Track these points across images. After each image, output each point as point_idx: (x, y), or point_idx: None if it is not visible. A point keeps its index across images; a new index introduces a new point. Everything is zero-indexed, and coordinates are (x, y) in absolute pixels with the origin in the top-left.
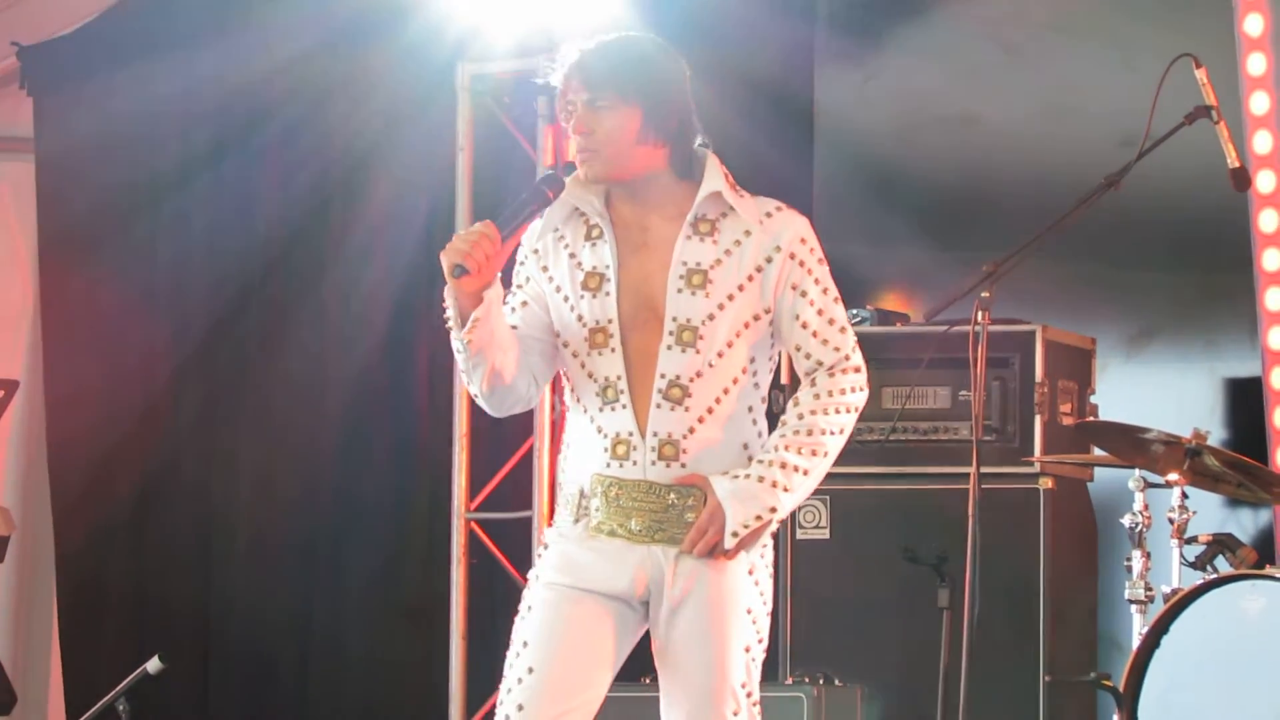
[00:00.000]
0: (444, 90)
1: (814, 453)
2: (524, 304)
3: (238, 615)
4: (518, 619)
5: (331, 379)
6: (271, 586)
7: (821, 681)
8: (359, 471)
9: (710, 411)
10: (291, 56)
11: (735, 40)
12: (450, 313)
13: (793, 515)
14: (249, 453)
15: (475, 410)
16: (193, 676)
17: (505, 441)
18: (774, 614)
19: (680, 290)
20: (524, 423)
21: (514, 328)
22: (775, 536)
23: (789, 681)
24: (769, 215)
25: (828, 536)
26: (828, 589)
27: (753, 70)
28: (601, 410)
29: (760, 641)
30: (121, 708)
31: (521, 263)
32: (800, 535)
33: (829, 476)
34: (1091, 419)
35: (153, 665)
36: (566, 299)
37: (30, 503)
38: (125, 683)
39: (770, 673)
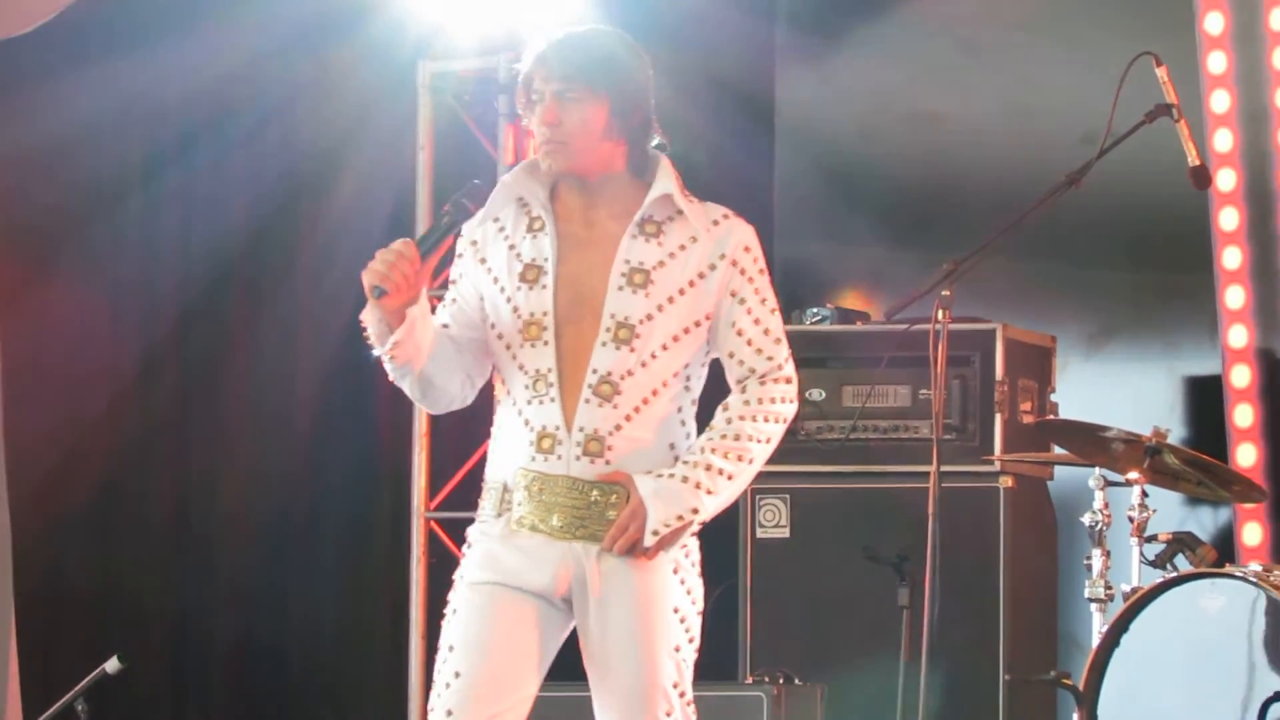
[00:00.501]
0: (405, 88)
1: (740, 458)
2: (454, 302)
3: (198, 607)
4: (444, 622)
5: (292, 379)
6: (231, 584)
7: (781, 680)
8: (321, 470)
9: (638, 410)
10: (254, 55)
11: (697, 39)
12: (370, 330)
13: (752, 514)
14: (211, 449)
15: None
16: (157, 674)
17: (465, 441)
18: (733, 612)
19: (621, 288)
20: (484, 421)
21: (446, 326)
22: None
23: (749, 680)
24: (716, 223)
25: (788, 535)
26: (788, 588)
27: (714, 68)
28: (530, 403)
29: (691, 641)
30: (80, 708)
31: (460, 255)
32: (761, 534)
33: (789, 475)
34: (1051, 417)
35: (111, 665)
36: (503, 290)
37: None
38: (84, 683)
39: (730, 672)
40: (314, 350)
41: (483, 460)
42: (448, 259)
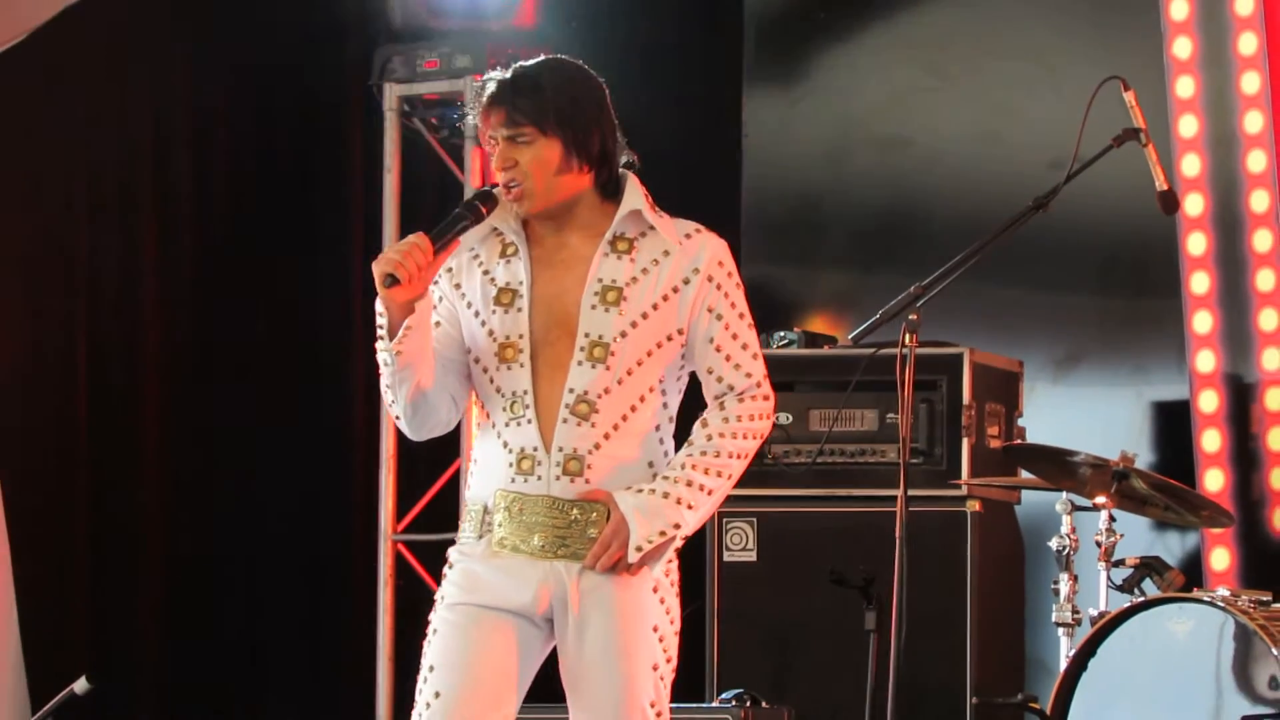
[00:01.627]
0: (371, 111)
1: (719, 474)
2: (437, 325)
3: (146, 634)
4: (425, 643)
5: (260, 402)
6: (195, 603)
7: (749, 703)
8: (283, 491)
9: (616, 428)
10: (224, 74)
11: (664, 61)
12: (380, 321)
13: (719, 536)
14: (173, 471)
15: (402, 433)
16: (125, 691)
17: (432, 464)
18: (701, 634)
19: (594, 306)
20: (451, 445)
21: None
22: (700, 556)
23: (716, 703)
24: (688, 236)
25: (755, 558)
26: (755, 611)
27: (682, 91)
28: (508, 425)
29: (669, 660)
30: None
31: (435, 283)
32: (728, 557)
33: (756, 499)
34: (1019, 442)
35: (80, 686)
36: (478, 314)
37: None
38: (51, 704)
39: (697, 693)
40: (282, 372)
41: (449, 484)
42: None
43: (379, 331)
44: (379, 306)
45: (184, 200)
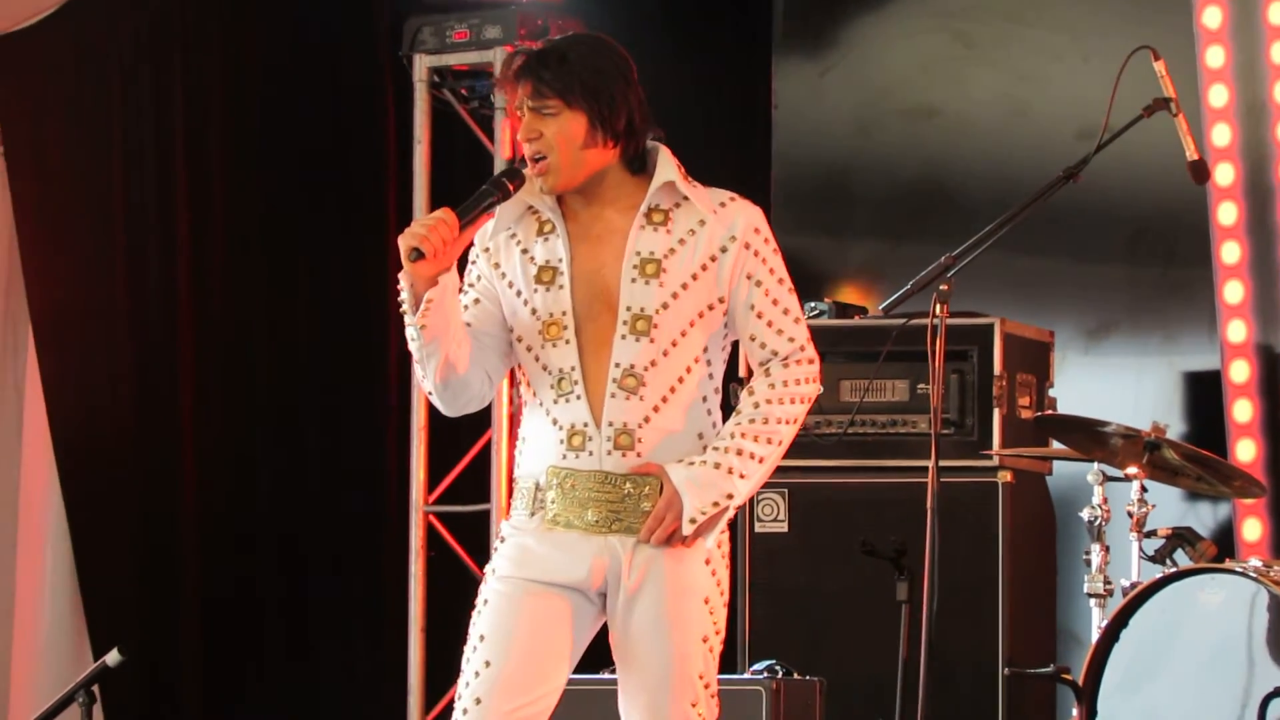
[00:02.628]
0: (402, 82)
1: (769, 441)
2: (476, 301)
3: (184, 605)
4: (474, 613)
5: (292, 375)
6: (228, 575)
7: (780, 674)
8: (316, 463)
9: (665, 400)
10: (255, 48)
11: (693, 33)
12: (404, 295)
13: (751, 508)
14: (209, 444)
15: (433, 405)
16: (157, 661)
17: (463, 435)
18: (732, 606)
19: (634, 280)
20: (481, 416)
21: (468, 325)
22: (732, 527)
23: (748, 674)
24: (723, 205)
25: (786, 529)
26: (786, 582)
27: (710, 62)
28: (556, 402)
29: (718, 632)
30: (80, 700)
31: (473, 262)
32: (759, 528)
33: (788, 469)
34: (1050, 412)
35: (112, 658)
36: (519, 293)
37: None
38: (84, 676)
39: (729, 665)
40: (314, 344)
41: (481, 455)
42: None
43: (402, 306)
44: (402, 281)
45: (215, 173)
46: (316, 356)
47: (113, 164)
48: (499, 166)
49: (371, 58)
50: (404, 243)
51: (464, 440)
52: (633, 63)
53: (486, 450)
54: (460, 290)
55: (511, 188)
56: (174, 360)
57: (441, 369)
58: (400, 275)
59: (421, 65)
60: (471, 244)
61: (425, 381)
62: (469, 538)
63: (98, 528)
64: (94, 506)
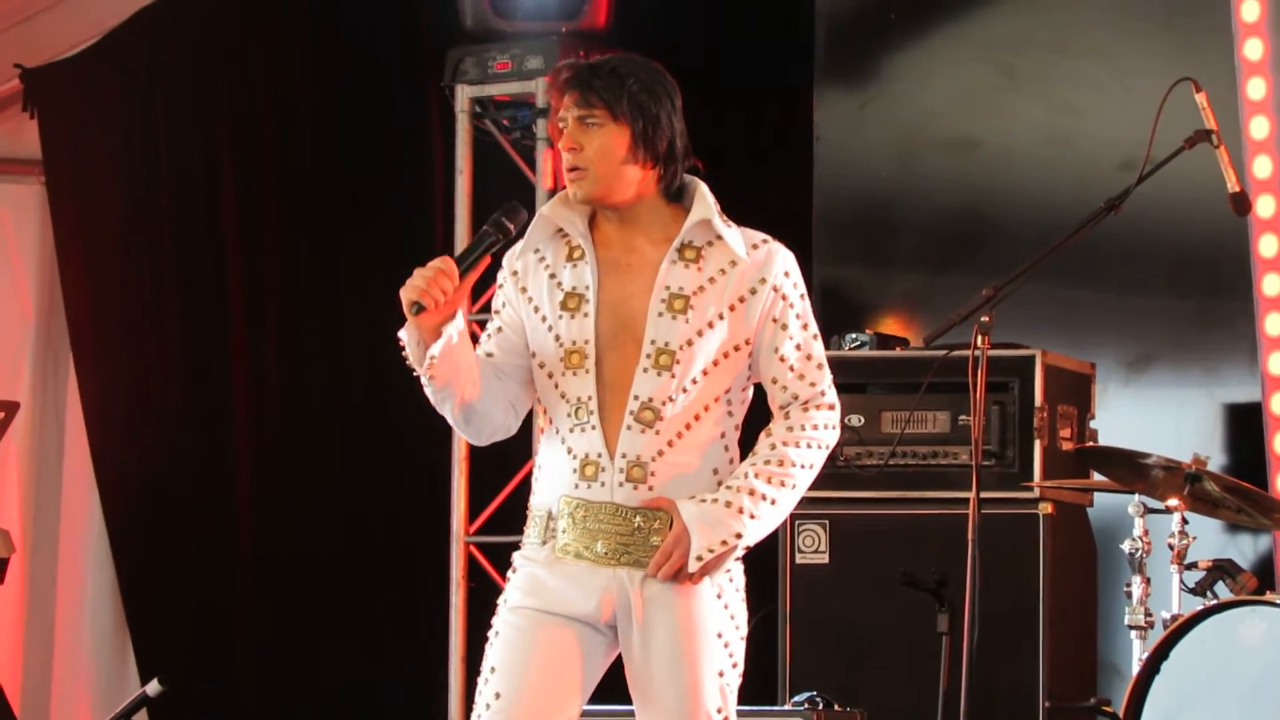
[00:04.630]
0: (444, 112)
1: (783, 483)
2: (499, 330)
3: (233, 634)
4: (487, 645)
5: (334, 404)
6: (271, 604)
7: (821, 706)
8: (358, 494)
9: (680, 436)
10: (295, 76)
11: (735, 63)
12: (408, 350)
13: (791, 539)
14: (251, 472)
15: None
16: (202, 686)
17: (504, 465)
18: (772, 637)
19: (661, 314)
20: (523, 446)
21: (490, 355)
22: (771, 558)
23: (788, 706)
24: (755, 247)
25: (827, 560)
26: (827, 613)
27: (752, 93)
28: (571, 431)
29: (735, 666)
30: None
31: (500, 285)
32: (799, 559)
33: (829, 501)
34: (1091, 444)
35: (152, 688)
36: (544, 319)
37: (32, 524)
38: (125, 706)
39: (769, 697)
40: (362, 372)
41: (522, 484)
42: (488, 278)
43: (407, 360)
44: (402, 336)
45: (266, 203)
46: (364, 385)
47: (159, 192)
48: (540, 197)
49: (416, 87)
50: (405, 296)
51: (505, 471)
52: (679, 90)
53: (527, 480)
54: (487, 315)
55: (511, 228)
56: (225, 387)
57: (459, 408)
58: (401, 331)
59: (463, 96)
60: (499, 254)
61: (446, 417)
62: (509, 568)
63: (143, 552)
64: (138, 531)
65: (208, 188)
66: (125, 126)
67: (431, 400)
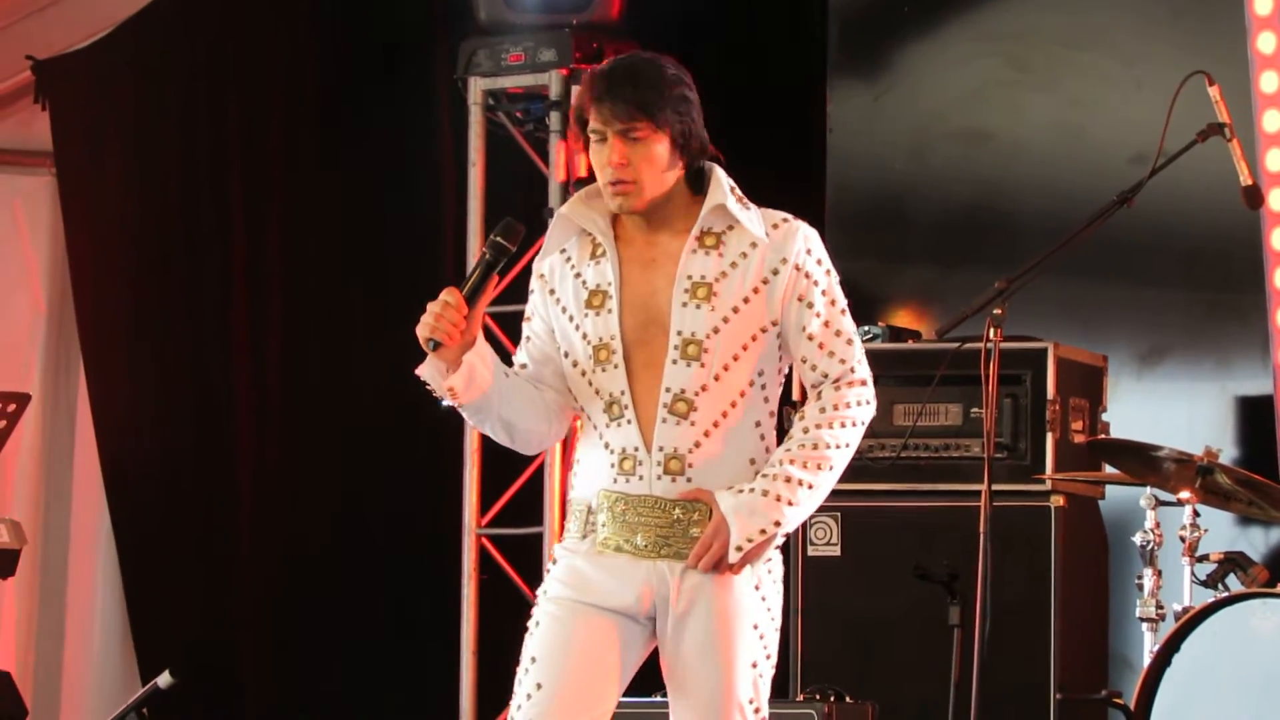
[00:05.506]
0: (456, 105)
1: (819, 467)
2: (528, 340)
3: (239, 630)
4: (526, 635)
5: (346, 396)
6: (278, 598)
7: (833, 698)
8: (369, 486)
9: (716, 425)
10: (306, 69)
11: (748, 56)
12: (431, 385)
13: (804, 532)
14: (263, 467)
15: None
16: (207, 682)
17: (516, 458)
18: (785, 630)
19: (685, 304)
20: None
21: (524, 366)
22: (784, 551)
23: (800, 698)
24: (775, 227)
25: (839, 553)
26: (839, 606)
27: (765, 85)
28: (608, 426)
29: (769, 658)
30: None
31: (531, 291)
32: (811, 552)
33: (840, 493)
34: (1103, 437)
35: (164, 680)
36: (572, 318)
37: (43, 515)
38: (136, 698)
39: (781, 689)
40: (369, 367)
41: (533, 478)
42: (518, 292)
43: (433, 394)
44: (422, 373)
45: (273, 196)
46: (371, 379)
47: (168, 185)
48: (553, 190)
49: (428, 80)
50: (420, 335)
51: (517, 463)
52: (694, 83)
53: (540, 473)
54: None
55: (510, 246)
56: (229, 382)
57: (500, 429)
58: (419, 369)
59: (476, 88)
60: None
61: (492, 437)
62: (521, 561)
63: (146, 548)
64: (142, 527)
65: (217, 180)
66: (136, 119)
67: (471, 422)
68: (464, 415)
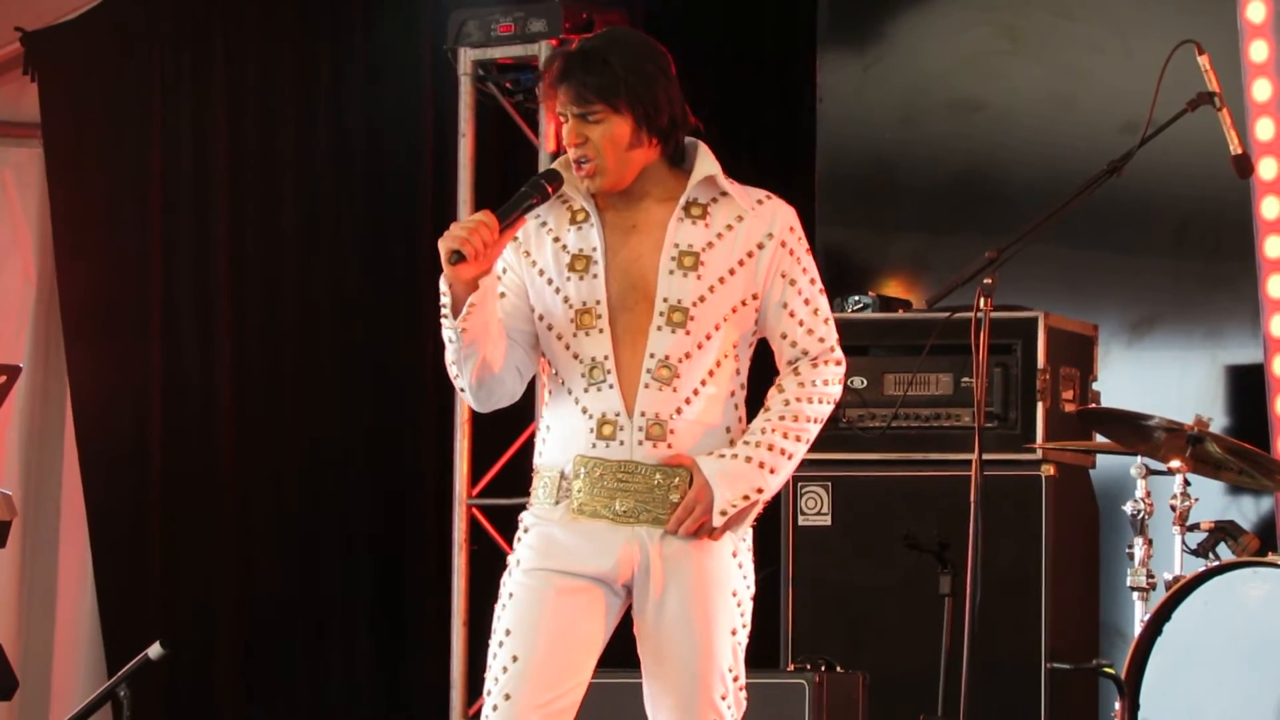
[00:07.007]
0: (446, 75)
1: (798, 438)
2: (502, 296)
3: (224, 600)
4: (499, 607)
5: (335, 367)
6: (272, 569)
7: (823, 668)
8: (359, 456)
9: (696, 393)
10: (291, 43)
11: (737, 25)
12: (445, 299)
13: (794, 501)
14: (252, 442)
15: None
16: (195, 661)
17: (506, 428)
18: (775, 600)
19: (672, 271)
20: (525, 409)
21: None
22: (774, 521)
23: (790, 668)
24: (760, 202)
25: (829, 523)
26: (829, 575)
27: (755, 55)
28: (587, 391)
29: (745, 626)
30: (123, 693)
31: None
32: (802, 521)
33: (831, 463)
34: (1093, 406)
35: (154, 651)
36: (551, 281)
37: (33, 487)
38: (126, 669)
39: (771, 659)
40: (354, 340)
41: (525, 447)
42: None
43: (443, 309)
44: (443, 284)
45: (254, 169)
46: (356, 352)
47: (151, 159)
48: (543, 160)
49: (412, 50)
50: (444, 245)
51: (507, 433)
52: (670, 56)
53: (530, 443)
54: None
55: (550, 190)
56: (211, 358)
57: (478, 369)
58: (441, 279)
59: (466, 59)
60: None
61: (459, 380)
62: (512, 531)
63: (118, 528)
64: (115, 506)
65: (198, 156)
66: (124, 90)
67: (451, 359)
68: (452, 348)
